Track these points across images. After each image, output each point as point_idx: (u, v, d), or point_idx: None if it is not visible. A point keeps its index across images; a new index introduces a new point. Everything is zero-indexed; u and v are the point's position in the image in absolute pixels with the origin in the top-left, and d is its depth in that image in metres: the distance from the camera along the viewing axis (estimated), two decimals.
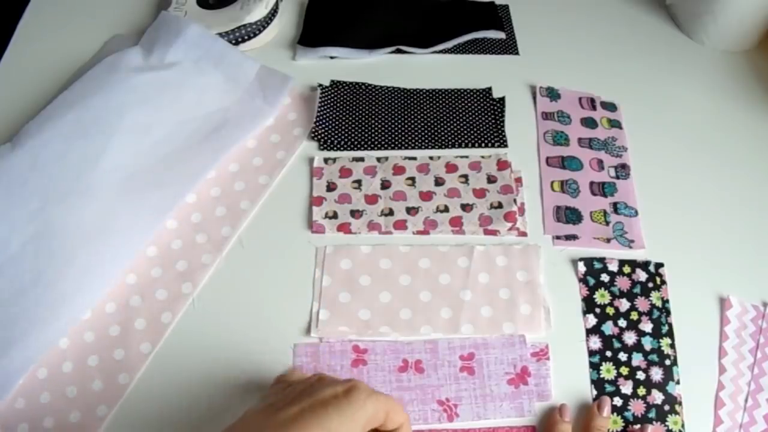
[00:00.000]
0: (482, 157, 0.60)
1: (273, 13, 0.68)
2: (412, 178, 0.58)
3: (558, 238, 0.55)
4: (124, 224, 0.53)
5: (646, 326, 0.51)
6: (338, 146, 0.60)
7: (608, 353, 0.50)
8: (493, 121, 0.62)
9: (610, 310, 0.52)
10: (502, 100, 0.64)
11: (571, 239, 0.55)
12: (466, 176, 0.58)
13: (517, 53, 0.68)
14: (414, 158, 0.60)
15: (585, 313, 0.52)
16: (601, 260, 0.54)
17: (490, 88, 0.65)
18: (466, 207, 0.56)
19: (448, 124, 0.62)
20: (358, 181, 0.58)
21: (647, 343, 0.50)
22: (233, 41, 0.66)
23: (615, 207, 0.57)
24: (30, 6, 0.72)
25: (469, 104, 0.63)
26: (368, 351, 0.50)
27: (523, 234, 0.55)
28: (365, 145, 0.61)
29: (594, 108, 0.63)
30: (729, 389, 0.48)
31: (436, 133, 0.61)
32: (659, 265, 0.54)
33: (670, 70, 0.67)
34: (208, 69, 0.62)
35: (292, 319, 0.51)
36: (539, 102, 0.64)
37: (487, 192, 0.57)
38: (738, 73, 0.67)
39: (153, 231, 0.54)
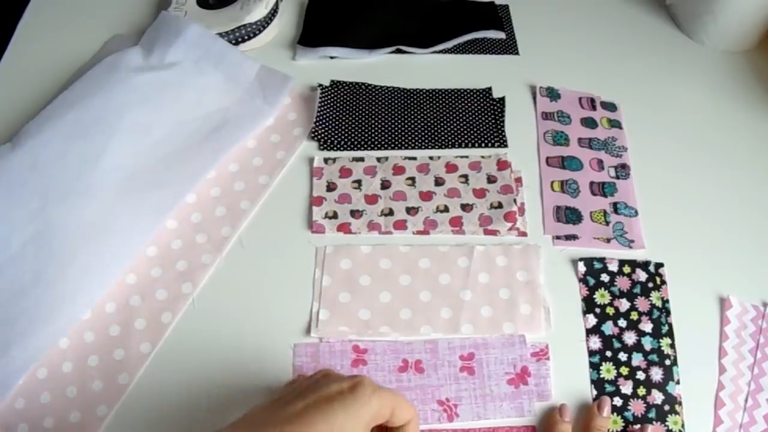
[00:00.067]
0: (482, 157, 0.60)
1: (273, 13, 0.68)
2: (412, 178, 0.58)
3: (558, 238, 0.55)
4: (124, 224, 0.53)
5: (646, 326, 0.51)
6: (338, 146, 0.60)
7: (608, 353, 0.50)
8: (493, 121, 0.62)
9: (610, 310, 0.52)
10: (502, 100, 0.64)
11: (571, 239, 0.55)
12: (466, 176, 0.58)
13: (517, 53, 0.68)
14: (414, 158, 0.60)
15: (585, 313, 0.52)
16: (601, 260, 0.54)
17: (490, 88, 0.65)
18: (466, 207, 0.56)
19: (448, 124, 0.62)
20: (358, 181, 0.58)
21: (647, 343, 0.50)
22: (233, 41, 0.66)
23: (615, 207, 0.57)
24: (30, 6, 0.72)
25: (469, 104, 0.63)
26: (368, 351, 0.50)
27: (523, 234, 0.55)
28: (365, 145, 0.61)
29: (594, 108, 0.63)
30: (729, 389, 0.48)
31: (436, 133, 0.61)
32: (659, 265, 0.54)
33: (670, 70, 0.67)
34: (208, 69, 0.62)
35: (292, 319, 0.51)
36: (539, 102, 0.64)
37: (487, 192, 0.57)
38: (738, 73, 0.67)
39: (153, 231, 0.54)
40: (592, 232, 0.55)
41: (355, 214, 0.56)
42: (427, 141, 0.61)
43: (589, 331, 0.51)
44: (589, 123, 0.62)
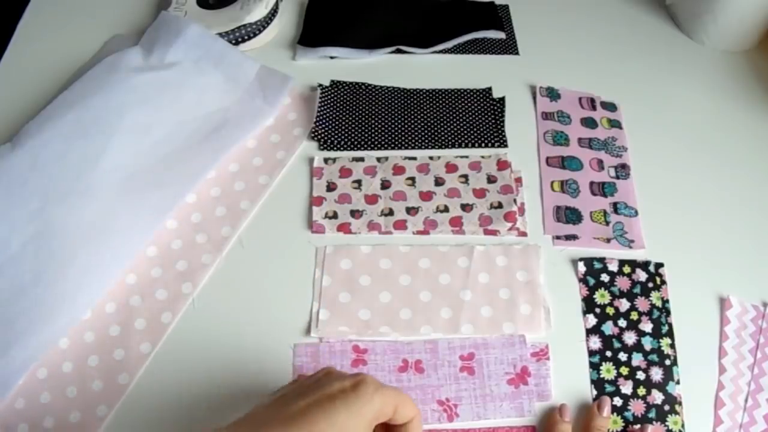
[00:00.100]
0: (482, 157, 0.60)
1: (273, 13, 0.68)
2: (412, 178, 0.58)
3: (558, 238, 0.55)
4: (124, 224, 0.53)
5: (646, 326, 0.51)
6: (338, 146, 0.60)
7: (608, 353, 0.50)
8: (493, 121, 0.62)
9: (610, 310, 0.52)
10: (502, 100, 0.64)
11: (571, 239, 0.55)
12: (466, 176, 0.58)
13: (517, 53, 0.68)
14: (414, 158, 0.60)
15: (585, 313, 0.52)
16: (601, 260, 0.54)
17: (490, 88, 0.65)
18: (466, 207, 0.56)
19: (448, 124, 0.62)
20: (358, 181, 0.58)
21: (647, 343, 0.50)
22: (233, 41, 0.66)
23: (615, 207, 0.57)
24: (30, 6, 0.72)
25: (469, 104, 0.63)
26: (368, 351, 0.50)
27: (523, 234, 0.55)
28: (365, 145, 0.61)
29: (594, 108, 0.63)
30: (729, 389, 0.48)
31: (436, 133, 0.61)
32: (659, 265, 0.54)
33: (670, 70, 0.67)
34: (208, 69, 0.62)
35: (292, 319, 0.51)
36: (539, 102, 0.64)
37: (487, 192, 0.57)
38: (738, 73, 0.67)
39: (153, 231, 0.54)
40: (592, 232, 0.55)
41: (355, 214, 0.56)
42: (427, 141, 0.61)
43: (589, 331, 0.51)
44: (589, 123, 0.62)
